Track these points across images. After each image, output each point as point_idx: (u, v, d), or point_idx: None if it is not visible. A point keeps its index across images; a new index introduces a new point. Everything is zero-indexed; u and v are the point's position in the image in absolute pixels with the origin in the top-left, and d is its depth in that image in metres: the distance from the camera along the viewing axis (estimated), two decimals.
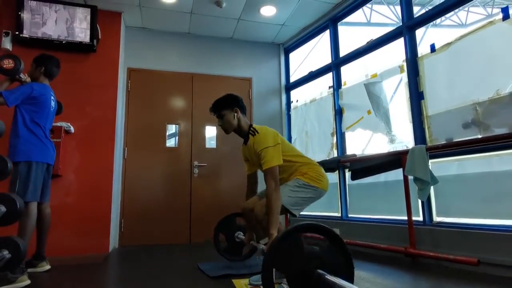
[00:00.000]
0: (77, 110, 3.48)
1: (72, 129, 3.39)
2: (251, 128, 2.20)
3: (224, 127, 2.25)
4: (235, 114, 2.21)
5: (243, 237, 2.52)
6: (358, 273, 2.45)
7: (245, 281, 2.12)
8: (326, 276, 1.17)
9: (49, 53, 2.70)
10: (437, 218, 2.74)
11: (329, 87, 4.05)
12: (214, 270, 2.40)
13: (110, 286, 2.31)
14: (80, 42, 3.54)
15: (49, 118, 2.62)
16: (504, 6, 2.37)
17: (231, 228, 2.63)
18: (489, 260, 2.21)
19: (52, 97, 2.65)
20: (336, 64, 3.99)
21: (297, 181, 2.11)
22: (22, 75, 2.54)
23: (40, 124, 2.50)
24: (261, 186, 2.30)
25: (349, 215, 3.63)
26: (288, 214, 2.18)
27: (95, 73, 3.65)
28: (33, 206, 2.38)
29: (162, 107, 4.32)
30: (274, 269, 1.28)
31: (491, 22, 2.46)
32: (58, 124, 3.26)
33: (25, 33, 3.40)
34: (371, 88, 3.37)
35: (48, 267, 2.56)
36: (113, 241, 3.67)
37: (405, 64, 3.09)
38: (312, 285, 1.23)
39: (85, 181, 3.43)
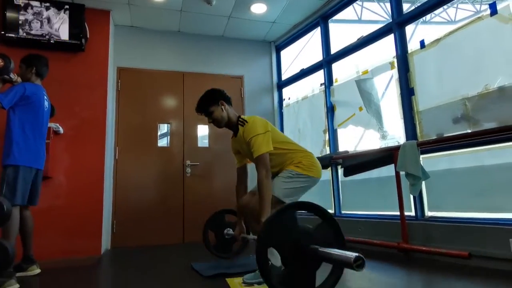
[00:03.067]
0: (66, 110, 3.42)
1: (61, 129, 3.33)
2: (240, 119, 2.18)
3: (216, 123, 2.22)
4: (223, 107, 2.18)
5: (232, 233, 2.51)
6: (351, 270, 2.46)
7: (239, 279, 2.11)
8: (319, 249, 1.19)
9: (37, 53, 2.66)
10: (429, 213, 2.76)
11: (321, 84, 4.06)
12: (207, 270, 2.38)
13: None
14: (68, 41, 3.48)
15: (44, 119, 2.57)
16: (492, 1, 2.39)
17: (220, 225, 2.62)
18: (480, 253, 2.24)
19: (45, 97, 2.61)
20: (327, 61, 4.00)
21: (289, 171, 2.10)
22: (12, 75, 2.50)
23: (34, 126, 2.46)
24: (251, 181, 2.29)
25: (342, 212, 3.64)
26: None
27: (83, 73, 3.59)
28: (16, 210, 2.34)
29: (153, 107, 4.28)
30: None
31: (479, 18, 2.48)
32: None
33: (11, 33, 3.33)
34: (362, 84, 3.38)
35: (38, 270, 2.51)
36: (105, 242, 3.63)
37: (395, 60, 3.10)
38: (306, 261, 1.25)
39: (76, 182, 3.38)
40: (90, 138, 3.51)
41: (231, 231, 2.55)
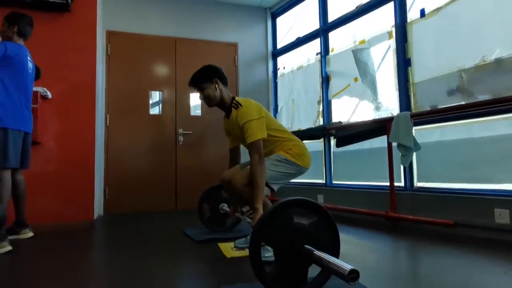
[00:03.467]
0: (53, 74, 3.30)
1: (49, 94, 3.24)
2: (234, 101, 2.10)
3: (207, 101, 2.13)
4: (216, 85, 2.10)
5: (227, 209, 2.53)
6: (340, 236, 2.53)
7: (231, 244, 2.15)
8: (314, 252, 1.19)
9: (21, 11, 2.52)
10: (417, 184, 2.82)
11: (317, 54, 3.98)
12: (200, 235, 2.43)
13: (96, 251, 2.32)
14: (53, 1, 3.30)
15: (28, 81, 2.49)
16: None
17: (216, 199, 2.63)
18: (465, 222, 2.31)
19: (28, 58, 2.51)
20: (324, 30, 3.90)
21: (279, 155, 2.06)
22: None
23: (19, 88, 2.38)
24: (244, 158, 2.26)
25: (333, 182, 3.70)
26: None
27: (70, 35, 3.44)
28: (7, 173, 2.32)
29: (144, 73, 4.17)
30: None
31: None
32: (34, 89, 3.09)
33: None
34: (358, 54, 3.32)
35: (31, 234, 2.53)
36: (98, 208, 3.65)
37: (393, 30, 3.04)
38: (300, 261, 1.25)
39: (66, 148, 3.34)
40: (80, 104, 3.43)
41: (226, 207, 2.57)
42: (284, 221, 1.26)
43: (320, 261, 1.15)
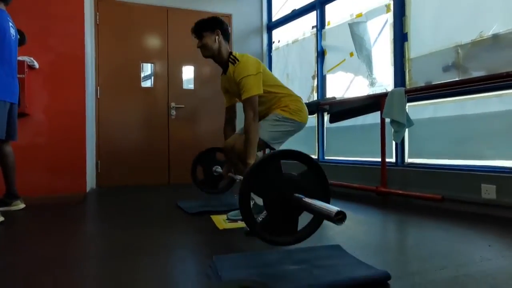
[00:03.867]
0: (39, 43, 3.18)
1: (36, 64, 3.13)
2: (231, 56, 2.08)
3: (203, 50, 2.12)
4: (216, 37, 2.07)
5: (221, 170, 2.55)
6: None
7: (223, 216, 2.18)
8: (303, 199, 1.21)
9: None
10: (408, 160, 2.86)
11: (312, 27, 3.89)
12: (193, 208, 2.45)
13: (90, 223, 2.33)
14: None
15: (11, 49, 2.38)
16: None
17: (209, 162, 2.65)
18: (453, 197, 2.37)
19: (10, 24, 2.39)
20: (321, 2, 3.79)
21: (276, 115, 2.08)
22: None
23: (1, 57, 2.28)
24: (240, 121, 2.27)
25: (326, 157, 3.72)
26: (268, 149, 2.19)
27: (56, 1, 3.29)
28: None
29: (135, 44, 4.05)
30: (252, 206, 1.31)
31: None
32: (20, 58, 2.99)
33: None
34: (355, 28, 3.25)
35: (22, 205, 2.53)
36: (90, 181, 3.64)
37: (392, 2, 2.96)
38: (290, 209, 1.28)
39: (56, 120, 3.27)
40: (68, 75, 3.33)
41: (219, 169, 2.59)
42: (273, 171, 1.29)
43: (309, 207, 1.19)
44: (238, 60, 2.03)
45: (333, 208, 1.06)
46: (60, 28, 3.30)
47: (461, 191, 2.34)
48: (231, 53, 2.10)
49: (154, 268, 1.31)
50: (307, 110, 2.21)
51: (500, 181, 2.14)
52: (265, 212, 1.33)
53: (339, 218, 1.03)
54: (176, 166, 4.14)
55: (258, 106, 2.02)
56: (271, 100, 2.11)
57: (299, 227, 1.40)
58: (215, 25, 2.08)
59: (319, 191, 1.34)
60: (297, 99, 2.17)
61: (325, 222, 2.14)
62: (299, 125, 2.16)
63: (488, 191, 2.19)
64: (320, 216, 1.16)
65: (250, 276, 1.14)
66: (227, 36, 2.13)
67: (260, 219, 1.33)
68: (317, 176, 1.34)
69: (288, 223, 1.31)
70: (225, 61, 2.10)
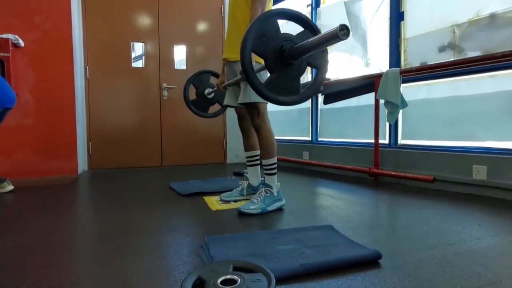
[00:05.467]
0: (23, 20, 3.06)
1: (21, 42, 3.02)
2: None
3: None
4: None
5: (212, 90, 2.54)
6: (323, 190, 2.59)
7: (216, 197, 2.17)
8: (304, 44, 1.22)
9: None
10: (402, 141, 2.86)
11: (307, 6, 3.79)
12: (185, 189, 2.44)
13: (82, 205, 2.31)
14: None
15: None
16: None
17: (203, 83, 2.63)
18: (444, 178, 2.39)
19: None
20: None
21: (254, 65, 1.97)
22: None
23: None
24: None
25: (319, 139, 3.72)
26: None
27: None
28: None
29: (125, 23, 3.92)
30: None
31: None
32: (4, 36, 2.89)
33: None
34: (350, 7, 3.18)
35: (11, 187, 2.49)
36: (82, 164, 3.60)
37: None
38: (291, 66, 1.29)
39: (44, 101, 3.19)
40: (56, 54, 3.23)
41: (211, 90, 2.57)
42: (271, 29, 1.28)
43: (311, 44, 1.19)
44: None
45: (333, 27, 1.06)
46: (45, 4, 3.17)
47: (452, 172, 2.36)
48: None
49: (145, 249, 1.30)
50: None
51: (491, 162, 2.16)
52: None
53: (344, 32, 1.04)
54: (169, 148, 4.11)
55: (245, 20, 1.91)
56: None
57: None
58: None
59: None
60: None
61: (319, 202, 2.16)
62: None
63: (479, 172, 2.21)
64: (325, 43, 1.15)
65: (242, 256, 1.14)
66: None
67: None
68: (312, 34, 1.33)
69: (291, 82, 1.32)
70: None
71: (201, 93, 2.60)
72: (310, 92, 1.37)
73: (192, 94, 2.65)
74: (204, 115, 2.63)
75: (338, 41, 1.08)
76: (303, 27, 1.34)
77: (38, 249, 1.32)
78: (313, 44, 1.19)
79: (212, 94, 2.58)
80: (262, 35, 1.25)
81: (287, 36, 1.29)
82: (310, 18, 3.64)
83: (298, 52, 1.24)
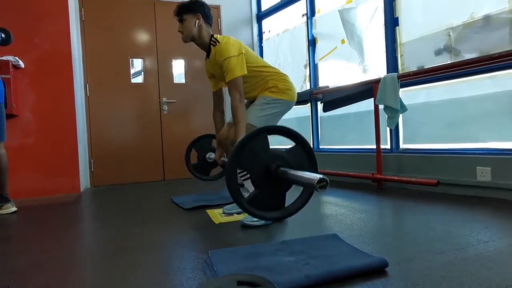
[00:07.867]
0: (24, 41, 3.10)
1: (21, 63, 3.06)
2: (212, 38, 2.04)
3: (183, 34, 2.07)
4: (197, 21, 2.02)
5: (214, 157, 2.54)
6: (327, 198, 2.57)
7: (219, 210, 2.16)
8: (289, 171, 1.21)
9: None
10: (403, 145, 2.85)
11: (303, 15, 3.83)
12: (188, 203, 2.42)
13: (86, 222, 2.30)
14: None
15: None
16: None
17: (204, 148, 2.64)
18: (448, 181, 2.37)
19: None
20: None
21: (264, 98, 2.04)
22: None
23: None
24: (228, 107, 2.23)
25: (321, 147, 3.71)
26: None
27: None
28: None
29: (123, 40, 3.97)
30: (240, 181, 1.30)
31: None
32: (4, 58, 2.93)
33: None
34: (345, 15, 3.21)
35: (14, 208, 2.48)
36: (84, 181, 3.60)
37: None
38: (276, 184, 1.28)
39: (45, 120, 3.22)
40: (56, 73, 3.26)
41: (213, 155, 2.57)
42: (260, 146, 1.27)
43: (293, 177, 1.18)
44: (218, 42, 1.99)
45: (315, 175, 1.05)
46: (45, 26, 3.22)
47: (456, 175, 2.34)
48: (212, 35, 2.05)
49: (149, 266, 1.29)
50: (294, 87, 2.17)
51: (495, 163, 2.14)
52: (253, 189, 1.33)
53: (322, 185, 1.01)
54: (171, 162, 4.11)
55: (244, 88, 1.98)
56: (258, 82, 2.06)
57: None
58: (197, 8, 2.04)
59: (307, 165, 1.33)
60: (284, 77, 2.13)
61: (322, 210, 2.14)
62: (288, 104, 2.12)
63: (483, 174, 2.19)
64: (303, 185, 1.15)
65: (246, 270, 1.13)
66: (209, 19, 2.08)
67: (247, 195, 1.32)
68: (305, 152, 1.33)
69: (275, 198, 1.31)
70: (206, 44, 2.06)
71: (202, 157, 2.61)
72: (294, 209, 1.35)
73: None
74: (206, 179, 2.64)
75: (315, 190, 1.06)
76: (294, 142, 1.34)
77: (40, 269, 1.30)
78: (295, 178, 1.18)
79: (213, 157, 2.54)
80: (249, 150, 1.25)
81: (276, 154, 1.28)
82: (307, 51, 3.68)
83: (284, 174, 1.23)
